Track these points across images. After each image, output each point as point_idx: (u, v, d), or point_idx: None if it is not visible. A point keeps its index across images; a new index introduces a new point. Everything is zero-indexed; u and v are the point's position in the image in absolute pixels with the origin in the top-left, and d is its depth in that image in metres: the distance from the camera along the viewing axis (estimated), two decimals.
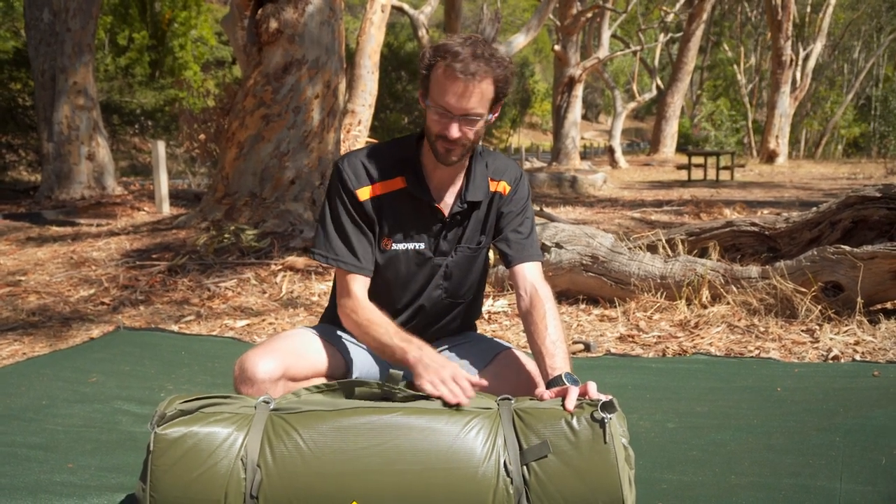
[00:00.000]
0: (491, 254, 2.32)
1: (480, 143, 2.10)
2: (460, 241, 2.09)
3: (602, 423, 1.53)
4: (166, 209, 9.57)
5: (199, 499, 1.54)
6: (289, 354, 1.97)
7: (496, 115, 1.95)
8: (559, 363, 1.82)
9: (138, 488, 1.58)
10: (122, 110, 17.71)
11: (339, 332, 2.17)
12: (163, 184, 9.66)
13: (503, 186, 2.10)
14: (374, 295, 2.07)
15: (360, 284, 2.02)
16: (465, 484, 1.53)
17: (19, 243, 7.34)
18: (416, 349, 1.81)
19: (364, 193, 1.99)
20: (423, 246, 2.05)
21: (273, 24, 6.54)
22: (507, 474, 1.54)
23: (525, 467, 1.54)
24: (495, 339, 2.30)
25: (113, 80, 19.23)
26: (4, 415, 2.63)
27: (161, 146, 9.80)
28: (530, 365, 2.08)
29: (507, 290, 4.54)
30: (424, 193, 2.00)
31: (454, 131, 1.85)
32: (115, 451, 2.29)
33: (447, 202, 2.04)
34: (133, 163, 19.01)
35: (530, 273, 2.06)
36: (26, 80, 13.53)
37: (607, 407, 1.54)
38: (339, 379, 2.09)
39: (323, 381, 2.07)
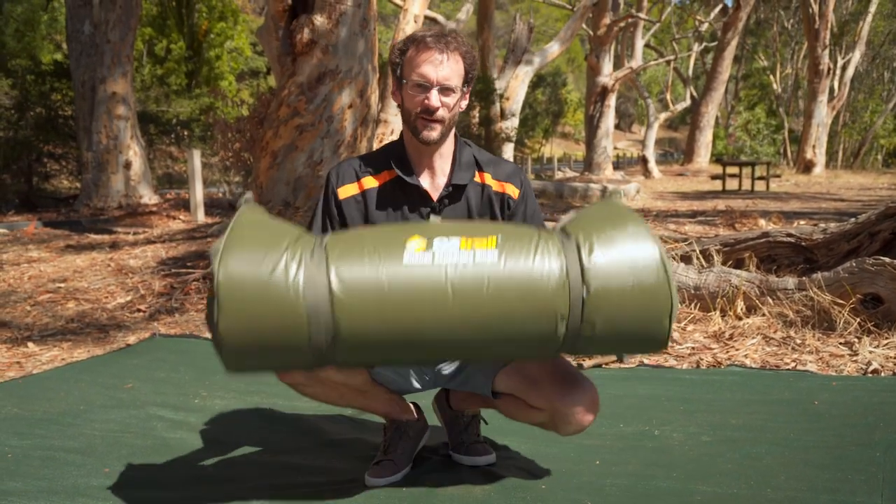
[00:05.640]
0: None
1: (482, 151, 2.14)
2: None
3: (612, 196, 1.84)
4: (201, 217, 9.70)
5: (272, 236, 1.59)
6: None
7: (467, 96, 2.04)
8: None
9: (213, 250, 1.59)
10: (159, 120, 17.96)
11: None
12: (198, 192, 9.79)
13: (512, 190, 2.10)
14: None
15: None
16: (515, 226, 1.76)
17: (59, 251, 7.48)
18: None
19: (346, 191, 2.04)
20: None
21: (307, 35, 6.60)
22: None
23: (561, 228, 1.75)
24: None
25: (150, 90, 19.54)
26: (43, 419, 2.68)
27: (196, 155, 9.93)
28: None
29: None
30: (410, 174, 2.03)
31: (434, 100, 1.93)
32: (150, 456, 2.33)
33: (437, 189, 2.06)
34: (169, 171, 19.27)
35: None
36: (66, 90, 13.79)
37: (610, 194, 1.85)
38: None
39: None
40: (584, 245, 1.62)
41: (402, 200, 2.04)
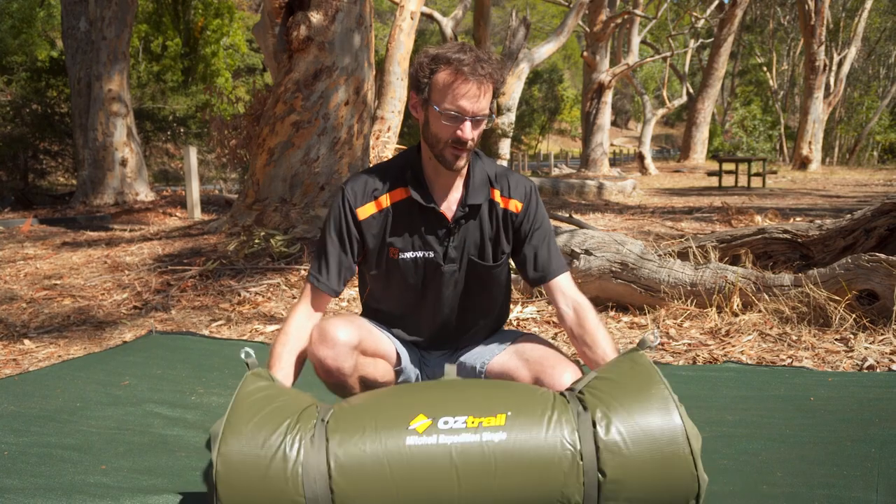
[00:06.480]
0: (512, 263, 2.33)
1: (492, 163, 2.14)
2: (481, 257, 2.09)
3: (635, 351, 1.74)
4: (198, 215, 9.68)
5: (273, 416, 1.59)
6: (363, 329, 2.03)
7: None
8: None
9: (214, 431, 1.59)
10: (155, 117, 17.93)
11: (381, 326, 2.20)
12: (194, 190, 9.78)
13: (515, 205, 2.09)
14: (391, 306, 2.15)
15: (316, 300, 2.06)
16: (528, 395, 1.67)
17: (55, 248, 7.47)
18: (277, 373, 1.93)
19: (364, 211, 2.03)
20: (432, 254, 2.06)
21: (303, 32, 6.59)
22: (565, 396, 1.68)
23: (579, 392, 1.68)
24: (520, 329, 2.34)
25: (146, 87, 19.51)
26: (40, 416, 2.68)
27: (193, 152, 9.91)
28: (552, 344, 2.16)
29: (537, 297, 4.53)
30: (428, 199, 2.02)
31: (468, 132, 1.90)
32: (148, 453, 2.32)
33: (451, 208, 2.05)
34: (165, 168, 19.26)
35: (566, 286, 2.09)
36: (62, 87, 13.78)
37: (642, 343, 1.76)
38: (394, 366, 2.12)
39: (385, 364, 2.11)
40: (600, 424, 1.55)
41: (420, 222, 2.04)
